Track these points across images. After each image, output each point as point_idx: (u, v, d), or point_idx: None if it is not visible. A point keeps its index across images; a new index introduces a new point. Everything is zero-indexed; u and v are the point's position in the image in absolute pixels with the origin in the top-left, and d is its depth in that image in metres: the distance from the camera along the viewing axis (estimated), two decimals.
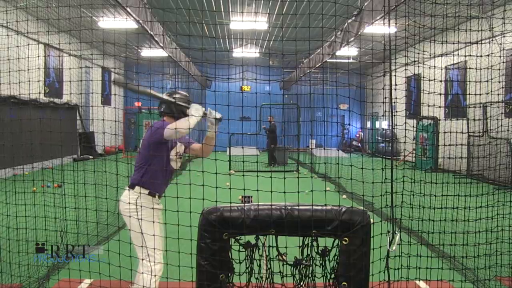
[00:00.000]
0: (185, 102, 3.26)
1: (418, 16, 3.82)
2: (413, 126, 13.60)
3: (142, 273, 2.97)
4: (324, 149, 12.94)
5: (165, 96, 3.23)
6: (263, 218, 2.50)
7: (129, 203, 3.02)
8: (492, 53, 4.41)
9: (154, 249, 2.98)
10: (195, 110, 3.08)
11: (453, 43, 4.22)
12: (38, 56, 12.08)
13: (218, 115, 3.18)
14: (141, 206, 2.99)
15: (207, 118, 3.19)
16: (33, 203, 3.87)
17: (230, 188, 2.70)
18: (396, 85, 3.05)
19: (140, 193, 3.04)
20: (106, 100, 18.25)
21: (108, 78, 18.37)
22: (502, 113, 10.59)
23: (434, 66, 5.23)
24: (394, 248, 2.77)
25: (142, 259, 3.00)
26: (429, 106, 3.89)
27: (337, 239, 2.58)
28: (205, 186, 2.94)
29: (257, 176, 2.73)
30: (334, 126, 18.37)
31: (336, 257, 2.63)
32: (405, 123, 3.45)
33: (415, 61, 5.76)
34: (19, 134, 4.23)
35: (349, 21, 8.48)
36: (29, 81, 4.51)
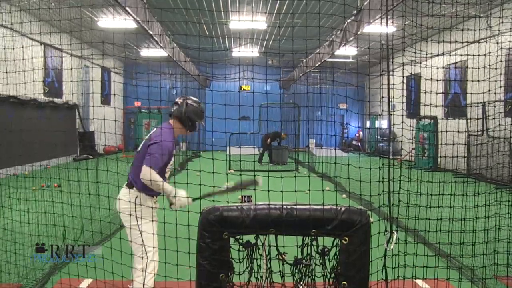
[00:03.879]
0: (196, 110, 3.25)
1: (417, 16, 3.83)
2: (410, 125, 13.60)
3: (142, 269, 3.00)
4: (322, 148, 12.95)
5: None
6: (263, 218, 2.51)
7: (130, 201, 3.04)
8: (490, 52, 4.41)
9: (154, 247, 3.02)
10: (180, 194, 3.05)
11: (450, 42, 4.23)
12: (34, 58, 12.05)
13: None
14: (140, 205, 3.01)
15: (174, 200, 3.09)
16: (33, 203, 3.88)
17: (227, 187, 2.71)
18: (393, 84, 3.06)
19: (139, 192, 3.05)
20: (105, 99, 18.25)
21: (108, 78, 18.35)
22: (501, 112, 10.59)
23: (431, 66, 5.24)
24: (392, 247, 2.78)
25: (142, 257, 3.03)
26: (425, 105, 3.89)
27: (337, 238, 2.59)
28: (203, 185, 2.95)
29: (254, 175, 2.74)
30: (333, 125, 18.35)
31: (336, 256, 2.64)
32: (402, 122, 3.45)
33: (413, 60, 5.78)
34: (19, 134, 4.24)
35: (349, 20, 8.49)
36: (30, 81, 4.52)
